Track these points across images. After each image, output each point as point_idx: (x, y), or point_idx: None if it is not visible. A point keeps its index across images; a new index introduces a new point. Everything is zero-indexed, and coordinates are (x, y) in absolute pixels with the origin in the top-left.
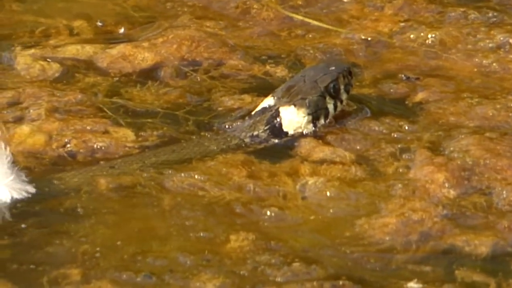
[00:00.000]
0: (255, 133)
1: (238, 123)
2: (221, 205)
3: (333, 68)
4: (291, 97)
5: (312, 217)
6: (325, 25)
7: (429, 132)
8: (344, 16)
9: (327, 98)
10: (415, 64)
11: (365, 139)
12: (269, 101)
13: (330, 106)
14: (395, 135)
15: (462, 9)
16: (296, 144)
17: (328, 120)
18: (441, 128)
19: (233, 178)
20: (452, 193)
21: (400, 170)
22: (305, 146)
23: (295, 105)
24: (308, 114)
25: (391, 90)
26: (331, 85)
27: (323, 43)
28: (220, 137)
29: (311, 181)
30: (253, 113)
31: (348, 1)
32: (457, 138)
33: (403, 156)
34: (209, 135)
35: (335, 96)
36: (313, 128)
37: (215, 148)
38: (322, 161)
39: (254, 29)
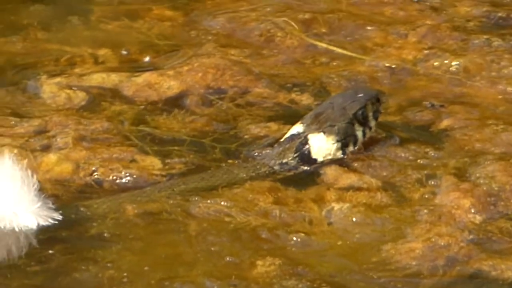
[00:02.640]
0: (284, 160)
1: (267, 150)
2: (247, 230)
3: (361, 95)
4: (320, 124)
5: (338, 243)
6: (349, 53)
7: (455, 159)
8: (368, 43)
9: (356, 125)
10: (440, 92)
11: (392, 166)
12: (298, 128)
13: (359, 133)
14: (421, 162)
15: (485, 37)
16: (322, 171)
17: (357, 146)
18: (466, 154)
19: (259, 204)
20: (478, 218)
21: (426, 196)
22: (331, 173)
23: (324, 132)
24: (337, 141)
25: (416, 117)
26: (360, 112)
27: (348, 70)
28: (249, 165)
29: (337, 207)
30: (282, 140)
31: (372, 29)
32: (483, 164)
33: (429, 182)
34: (238, 163)
35: (364, 123)
36: (342, 155)
37: (245, 175)
38: (348, 188)
39: (279, 57)
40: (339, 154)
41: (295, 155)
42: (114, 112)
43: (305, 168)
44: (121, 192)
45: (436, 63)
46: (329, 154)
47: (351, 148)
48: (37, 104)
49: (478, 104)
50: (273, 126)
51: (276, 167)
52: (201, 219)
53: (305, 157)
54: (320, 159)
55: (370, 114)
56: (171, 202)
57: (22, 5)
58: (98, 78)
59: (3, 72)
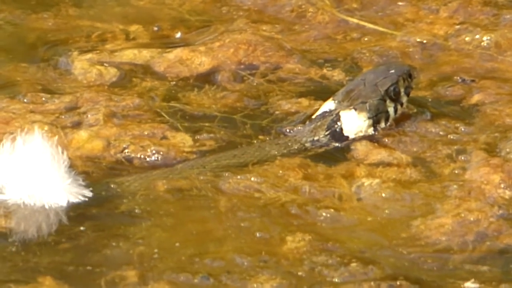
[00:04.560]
0: (316, 138)
1: (299, 127)
2: (277, 206)
3: (393, 71)
4: (352, 101)
5: (368, 218)
6: (380, 28)
7: (485, 134)
8: (399, 19)
9: (388, 101)
10: (471, 67)
11: (422, 141)
12: (329, 105)
13: (391, 110)
14: (452, 137)
15: None
16: (352, 147)
17: (389, 123)
18: (497, 129)
19: (289, 180)
20: (508, 193)
21: (456, 172)
22: (361, 149)
23: (355, 109)
24: (369, 118)
25: (447, 93)
26: (391, 88)
27: (379, 46)
28: (281, 142)
29: (366, 182)
30: (313, 117)
31: (403, 4)
32: None
33: (459, 157)
34: (269, 140)
35: (396, 99)
36: (374, 132)
37: (276, 153)
38: (378, 164)
39: (310, 33)
40: (371, 131)
41: (327, 132)
42: (145, 88)
43: (337, 145)
44: (151, 169)
45: (467, 38)
46: (361, 131)
47: (382, 125)
48: (68, 80)
49: (509, 79)
50: (304, 102)
51: (308, 144)
52: (231, 195)
53: (337, 135)
54: (351, 136)
55: (402, 90)
56: (201, 178)
57: None
58: (130, 54)
59: (35, 48)
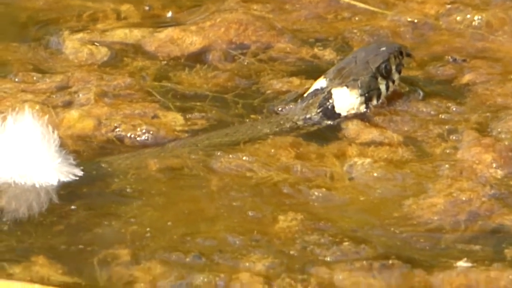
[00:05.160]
0: (308, 115)
1: (290, 106)
2: (269, 186)
3: (384, 48)
4: (343, 78)
5: (359, 198)
6: (371, 8)
7: (477, 113)
8: None
9: (379, 78)
10: (462, 46)
11: (413, 121)
12: (321, 82)
13: (382, 87)
14: (443, 117)
15: None
16: (344, 126)
17: (381, 100)
18: (488, 109)
19: (280, 159)
20: (500, 173)
21: (448, 151)
22: (353, 128)
23: (347, 86)
24: (361, 95)
25: (438, 72)
26: (383, 65)
27: (370, 25)
28: (273, 120)
29: (358, 162)
30: (305, 95)
31: None
32: (505, 119)
33: (451, 137)
34: (262, 119)
35: (387, 77)
36: (366, 109)
37: (268, 131)
38: (369, 143)
39: (301, 12)
40: (363, 108)
41: (319, 110)
42: (136, 67)
43: (329, 122)
44: (142, 148)
45: (458, 18)
46: (353, 109)
47: (374, 102)
48: (59, 59)
49: (501, 58)
50: (295, 81)
51: (300, 122)
52: (223, 174)
53: (329, 112)
54: (343, 113)
55: (393, 67)
56: (193, 157)
57: None
58: (121, 34)
59: (26, 28)
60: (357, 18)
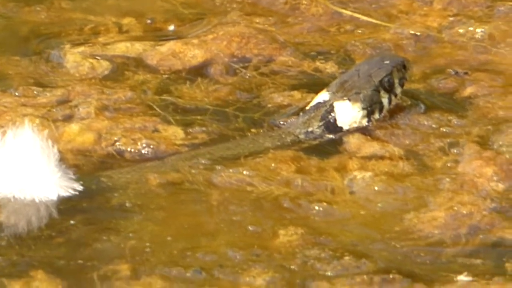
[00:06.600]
0: (310, 129)
1: (292, 119)
2: (269, 200)
3: (387, 62)
4: (346, 92)
5: (360, 212)
6: (374, 20)
7: (478, 127)
8: (393, 11)
9: (382, 92)
10: (464, 59)
11: (415, 134)
12: (323, 96)
13: (385, 100)
14: (444, 130)
15: (511, 3)
16: (344, 140)
17: (383, 114)
18: (490, 122)
19: (281, 173)
20: (501, 186)
21: (449, 165)
22: (354, 142)
23: (349, 100)
24: (363, 108)
25: (440, 85)
26: (386, 79)
27: (373, 38)
28: (274, 134)
29: (359, 176)
30: (307, 108)
31: None
32: (506, 132)
33: (452, 150)
34: (263, 132)
35: (390, 90)
36: (368, 123)
37: (270, 145)
38: (370, 157)
39: (304, 25)
40: (365, 122)
41: (321, 123)
42: (138, 81)
43: (331, 136)
44: (143, 162)
45: (461, 30)
46: (355, 122)
47: (376, 116)
48: (60, 73)
49: (503, 71)
50: (297, 94)
51: (302, 136)
52: (223, 189)
53: (331, 126)
54: (345, 127)
55: (396, 81)
56: (193, 171)
57: None
58: (122, 47)
59: (27, 41)
60: (359, 31)
